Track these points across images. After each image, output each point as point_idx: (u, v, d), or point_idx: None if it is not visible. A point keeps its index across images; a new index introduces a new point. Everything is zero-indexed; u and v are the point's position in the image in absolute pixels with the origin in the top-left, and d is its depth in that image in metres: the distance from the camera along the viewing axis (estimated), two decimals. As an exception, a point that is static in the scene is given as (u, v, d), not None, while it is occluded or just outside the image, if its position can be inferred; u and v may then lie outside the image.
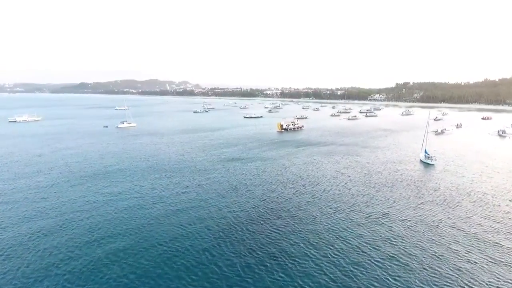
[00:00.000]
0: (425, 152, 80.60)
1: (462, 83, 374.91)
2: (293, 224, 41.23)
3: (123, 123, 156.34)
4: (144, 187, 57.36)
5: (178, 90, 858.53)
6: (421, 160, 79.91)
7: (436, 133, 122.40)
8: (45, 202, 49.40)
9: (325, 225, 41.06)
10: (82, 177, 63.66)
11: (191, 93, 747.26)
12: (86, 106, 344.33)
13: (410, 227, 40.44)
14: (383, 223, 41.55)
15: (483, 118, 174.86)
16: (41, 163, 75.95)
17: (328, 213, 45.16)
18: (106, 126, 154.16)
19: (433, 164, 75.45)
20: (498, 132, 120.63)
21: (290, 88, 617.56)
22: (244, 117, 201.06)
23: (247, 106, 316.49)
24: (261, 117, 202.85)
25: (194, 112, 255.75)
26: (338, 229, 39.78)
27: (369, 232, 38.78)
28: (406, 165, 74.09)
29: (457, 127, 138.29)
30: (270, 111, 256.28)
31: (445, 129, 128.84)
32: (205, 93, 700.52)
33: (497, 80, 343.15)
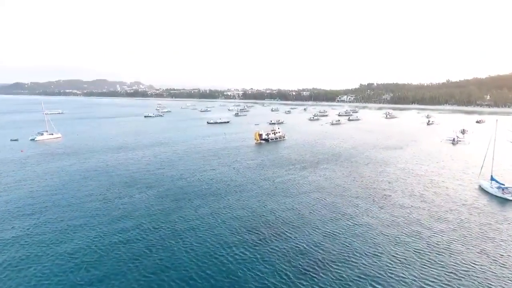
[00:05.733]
0: (494, 179, 53.66)
1: (425, 84, 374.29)
2: None
3: (42, 134, 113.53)
4: None
5: (129, 91, 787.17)
6: (484, 190, 53.30)
7: (453, 142, 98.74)
8: None
9: None
10: None
11: (143, 94, 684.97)
12: (2, 111, 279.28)
13: None
14: None
15: (477, 122, 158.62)
16: None
17: None
18: (16, 139, 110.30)
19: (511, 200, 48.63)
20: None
21: (252, 89, 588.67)
22: (208, 122, 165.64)
23: (208, 109, 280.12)
24: (228, 122, 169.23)
25: (145, 116, 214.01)
26: None
27: None
28: (461, 200, 46.10)
29: (462, 133, 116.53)
30: (237, 114, 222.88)
31: (457, 137, 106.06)
32: (159, 95, 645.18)
33: (458, 81, 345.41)
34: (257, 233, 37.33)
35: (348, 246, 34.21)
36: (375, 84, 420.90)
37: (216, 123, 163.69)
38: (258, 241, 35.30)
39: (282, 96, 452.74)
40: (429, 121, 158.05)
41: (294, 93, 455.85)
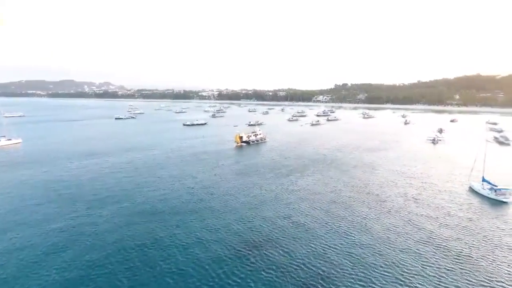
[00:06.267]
0: (485, 180, 52.43)
1: (397, 84, 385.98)
2: None
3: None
4: None
5: (98, 92, 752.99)
6: (475, 191, 52.08)
7: (434, 142, 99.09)
8: None
9: None
10: None
11: (114, 95, 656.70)
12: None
13: None
14: None
15: (451, 121, 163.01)
16: None
17: None
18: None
19: (506, 202, 47.33)
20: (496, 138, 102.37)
21: (227, 89, 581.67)
22: (184, 124, 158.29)
23: (183, 110, 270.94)
24: (205, 124, 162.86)
25: (116, 118, 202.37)
26: None
27: None
28: (457, 203, 44.19)
29: (440, 133, 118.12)
30: (213, 115, 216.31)
31: (437, 136, 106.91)
32: (130, 95, 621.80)
33: (428, 81, 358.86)
34: (251, 247, 32.76)
35: (353, 257, 30.58)
36: (349, 85, 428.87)
37: (192, 125, 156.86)
38: (254, 256, 30.72)
39: (259, 96, 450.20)
40: (405, 120, 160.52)
41: (270, 94, 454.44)
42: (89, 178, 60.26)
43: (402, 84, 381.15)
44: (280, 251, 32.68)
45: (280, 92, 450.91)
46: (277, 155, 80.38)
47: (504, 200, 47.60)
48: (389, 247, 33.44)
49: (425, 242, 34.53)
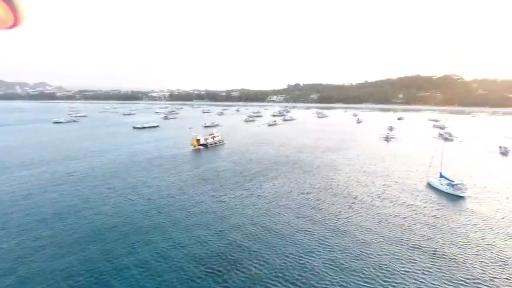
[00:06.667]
0: (443, 176, 54.39)
1: (346, 84, 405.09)
2: None
3: None
4: None
5: (33, 93, 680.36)
6: (433, 187, 53.93)
7: (387, 139, 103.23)
8: None
9: None
10: None
11: (51, 96, 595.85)
12: None
13: None
14: None
15: (398, 119, 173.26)
16: None
17: None
18: None
19: (463, 197, 49.34)
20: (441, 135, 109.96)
21: (178, 90, 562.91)
22: (134, 127, 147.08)
23: (132, 112, 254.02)
24: (158, 126, 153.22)
25: (55, 122, 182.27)
26: None
27: None
28: (420, 200, 44.99)
29: (391, 130, 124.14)
30: (166, 117, 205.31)
31: (388, 133, 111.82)
32: (71, 97, 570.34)
33: (374, 81, 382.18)
34: (223, 261, 28.92)
35: (332, 263, 28.30)
36: (302, 85, 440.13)
37: (143, 128, 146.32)
38: (227, 271, 26.85)
39: (211, 97, 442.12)
40: (358, 119, 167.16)
41: (223, 94, 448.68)
42: (24, 194, 51.05)
43: (350, 84, 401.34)
44: (256, 263, 29.58)
45: (234, 93, 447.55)
46: (238, 158, 76.83)
47: (461, 194, 49.51)
48: (367, 250, 32.26)
49: (399, 242, 33.99)
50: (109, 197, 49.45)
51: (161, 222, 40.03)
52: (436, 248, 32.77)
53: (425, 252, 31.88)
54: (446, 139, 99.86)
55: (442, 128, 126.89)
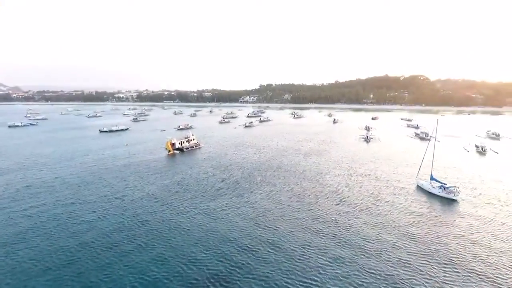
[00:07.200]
0: (434, 178, 53.16)
1: (318, 84, 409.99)
2: None
3: None
4: None
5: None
6: (423, 190, 52.71)
7: (366, 140, 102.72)
8: None
9: None
10: None
11: (6, 98, 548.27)
12: None
13: None
14: None
15: (373, 118, 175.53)
16: None
17: None
18: None
19: (455, 200, 48.19)
20: (420, 135, 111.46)
21: (147, 90, 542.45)
22: (101, 131, 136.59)
23: (97, 114, 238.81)
24: (127, 129, 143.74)
25: (10, 126, 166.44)
26: None
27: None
28: (421, 208, 43.39)
29: (368, 130, 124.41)
30: (135, 120, 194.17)
31: (367, 133, 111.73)
32: (29, 98, 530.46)
33: (344, 81, 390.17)
34: (217, 280, 25.07)
35: (340, 279, 24.86)
36: (274, 85, 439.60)
37: (111, 131, 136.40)
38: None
39: (182, 97, 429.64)
40: (334, 120, 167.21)
41: (195, 94, 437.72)
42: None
43: (322, 84, 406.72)
44: (253, 283, 25.41)
45: (206, 93, 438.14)
46: (217, 164, 71.91)
47: (454, 197, 48.37)
48: (378, 260, 29.74)
49: (408, 251, 31.53)
50: (77, 211, 43.03)
51: (141, 235, 34.97)
52: (446, 255, 31.01)
53: (437, 260, 29.40)
54: (422, 139, 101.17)
55: (416, 127, 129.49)
